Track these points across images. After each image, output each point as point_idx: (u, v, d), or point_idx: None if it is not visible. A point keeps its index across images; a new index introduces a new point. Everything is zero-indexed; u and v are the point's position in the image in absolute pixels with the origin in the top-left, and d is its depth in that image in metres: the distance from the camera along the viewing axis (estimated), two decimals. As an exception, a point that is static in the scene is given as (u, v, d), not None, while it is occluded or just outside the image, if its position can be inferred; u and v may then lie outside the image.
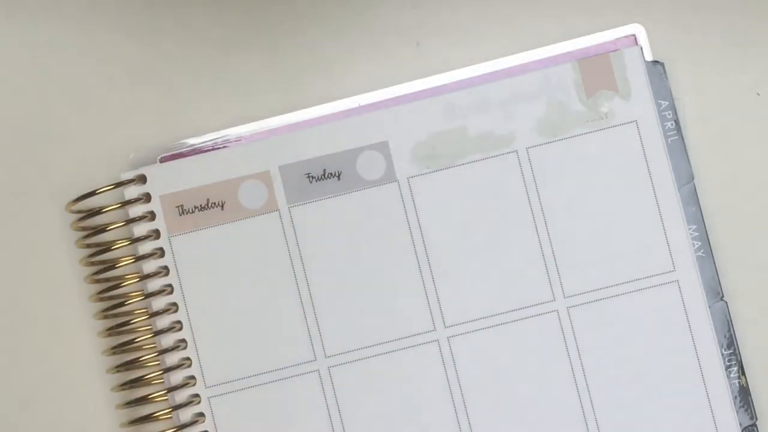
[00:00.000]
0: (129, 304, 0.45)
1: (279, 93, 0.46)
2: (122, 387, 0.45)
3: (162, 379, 0.45)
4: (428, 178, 0.45)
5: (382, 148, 0.45)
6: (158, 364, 0.45)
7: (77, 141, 0.46)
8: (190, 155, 0.46)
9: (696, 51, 0.46)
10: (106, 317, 0.45)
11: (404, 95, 0.46)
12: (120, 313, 0.45)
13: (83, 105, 0.46)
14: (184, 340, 0.45)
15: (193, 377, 0.45)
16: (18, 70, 0.47)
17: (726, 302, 0.45)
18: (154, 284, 0.45)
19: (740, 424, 0.45)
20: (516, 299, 0.45)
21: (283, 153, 0.45)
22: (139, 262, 0.45)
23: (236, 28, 0.47)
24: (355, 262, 0.45)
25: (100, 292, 0.45)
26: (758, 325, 0.45)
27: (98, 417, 0.46)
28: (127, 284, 0.45)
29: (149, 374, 0.45)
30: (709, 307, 0.45)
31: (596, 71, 0.45)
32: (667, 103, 0.45)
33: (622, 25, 0.46)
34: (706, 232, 0.45)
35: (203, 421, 0.45)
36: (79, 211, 0.45)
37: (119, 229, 0.45)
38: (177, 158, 0.46)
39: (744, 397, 0.45)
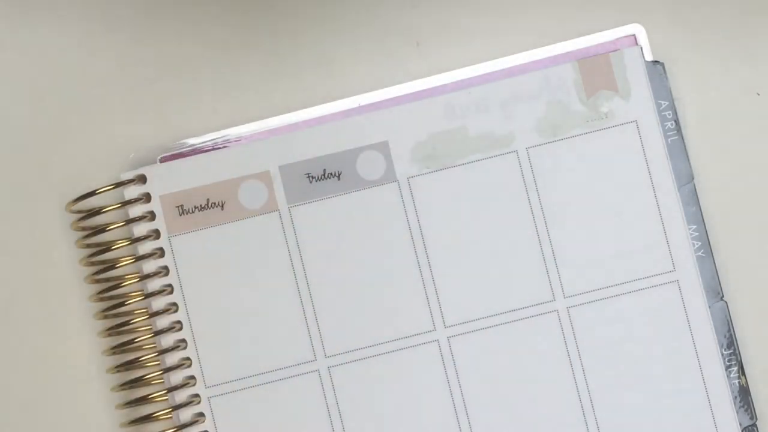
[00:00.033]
0: (129, 304, 0.45)
1: (279, 93, 0.46)
2: (122, 387, 0.45)
3: (162, 379, 0.45)
4: (428, 178, 0.45)
5: (382, 148, 0.45)
6: (158, 364, 0.45)
7: (77, 141, 0.46)
8: (190, 155, 0.46)
9: (696, 51, 0.46)
10: (106, 317, 0.45)
11: (404, 95, 0.46)
12: (120, 313, 0.45)
13: (83, 105, 0.46)
14: (184, 340, 0.45)
15: (193, 377, 0.45)
16: (18, 70, 0.47)
17: (726, 302, 0.45)
18: (154, 284, 0.45)
19: (740, 424, 0.45)
20: (516, 299, 0.45)
21: (283, 153, 0.45)
22: (139, 262, 0.45)
23: (236, 28, 0.47)
24: (355, 262, 0.45)
25: (100, 292, 0.45)
26: (758, 325, 0.45)
27: (98, 417, 0.46)
28: (127, 284, 0.45)
29: (149, 374, 0.45)
30: (709, 307, 0.45)
31: (596, 71, 0.45)
32: (667, 103, 0.45)
33: (622, 25, 0.46)
34: (706, 232, 0.45)
35: (203, 421, 0.45)
36: (79, 211, 0.45)
37: (119, 229, 0.45)
38: (177, 158, 0.46)
39: (744, 397, 0.45)
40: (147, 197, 0.45)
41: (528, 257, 0.45)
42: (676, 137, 0.45)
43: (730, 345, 0.45)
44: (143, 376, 0.45)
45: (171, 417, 0.45)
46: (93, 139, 0.46)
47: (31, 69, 0.47)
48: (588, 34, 0.46)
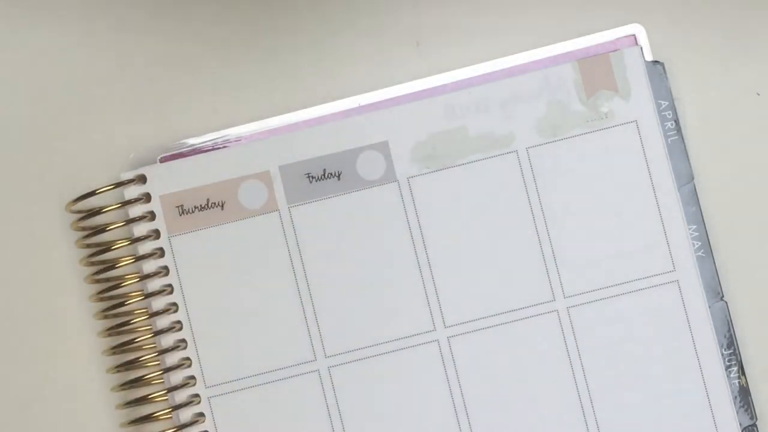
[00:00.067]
0: (129, 304, 0.45)
1: (279, 93, 0.46)
2: (122, 387, 0.45)
3: (162, 379, 0.45)
4: (428, 178, 0.45)
5: (382, 148, 0.45)
6: (158, 364, 0.45)
7: (77, 141, 0.46)
8: (190, 155, 0.46)
9: (696, 51, 0.46)
10: (106, 317, 0.45)
11: (404, 95, 0.46)
12: (120, 313, 0.45)
13: (83, 105, 0.46)
14: (184, 340, 0.45)
15: (193, 377, 0.45)
16: (18, 69, 0.47)
17: (726, 302, 0.45)
18: (154, 284, 0.45)
19: (740, 424, 0.45)
20: (516, 299, 0.45)
21: (283, 153, 0.45)
22: (139, 262, 0.45)
23: (236, 28, 0.47)
24: (355, 262, 0.45)
25: (100, 292, 0.45)
26: (758, 325, 0.45)
27: (98, 417, 0.46)
28: (127, 284, 0.45)
29: (149, 374, 0.45)
30: (709, 307, 0.45)
31: (596, 71, 0.45)
32: (667, 103, 0.45)
33: (622, 25, 0.46)
34: (706, 232, 0.45)
35: (203, 421, 0.45)
36: (79, 211, 0.45)
37: (119, 229, 0.45)
38: (177, 158, 0.46)
39: (744, 397, 0.45)
40: (147, 197, 0.45)
41: (528, 257, 0.45)
42: (676, 137, 0.45)
43: (730, 345, 0.45)
44: (143, 376, 0.45)
45: (171, 417, 0.45)
46: (93, 139, 0.46)
47: (31, 69, 0.47)
48: (588, 34, 0.46)
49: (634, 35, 0.46)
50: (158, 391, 0.45)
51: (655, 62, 0.45)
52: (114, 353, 0.45)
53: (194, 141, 0.46)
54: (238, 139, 0.46)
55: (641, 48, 0.45)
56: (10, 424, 0.46)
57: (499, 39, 0.46)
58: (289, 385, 0.45)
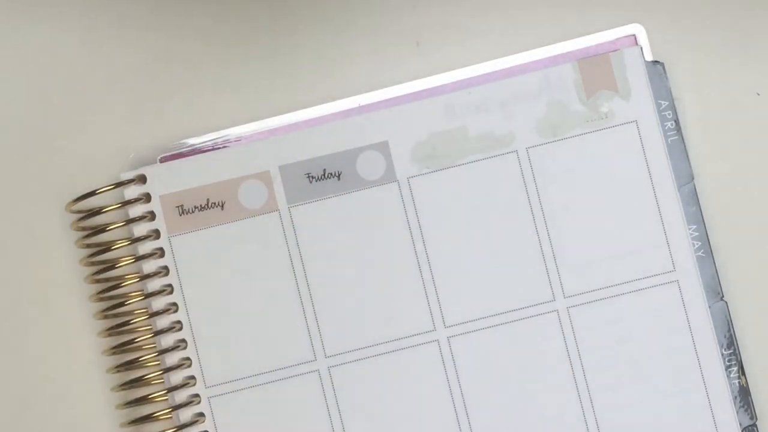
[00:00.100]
0: (129, 304, 0.45)
1: (279, 93, 0.46)
2: (122, 387, 0.45)
3: (162, 379, 0.45)
4: (428, 178, 0.45)
5: (382, 148, 0.45)
6: (158, 364, 0.45)
7: (77, 141, 0.46)
8: (190, 155, 0.46)
9: (696, 51, 0.46)
10: (106, 317, 0.45)
11: (404, 95, 0.46)
12: (120, 313, 0.45)
13: (83, 105, 0.46)
14: (184, 340, 0.45)
15: (193, 377, 0.45)
16: (18, 70, 0.47)
17: (726, 302, 0.45)
18: (154, 284, 0.45)
19: (740, 424, 0.45)
20: (516, 299, 0.45)
21: (283, 153, 0.45)
22: (139, 262, 0.45)
23: (236, 28, 0.47)
24: (355, 262, 0.45)
25: (100, 292, 0.45)
26: (758, 325, 0.45)
27: (98, 417, 0.46)
28: (127, 284, 0.45)
29: (149, 374, 0.45)
30: (709, 307, 0.45)
31: (596, 71, 0.45)
32: (667, 103, 0.45)
33: (622, 25, 0.46)
34: (706, 232, 0.45)
35: (203, 421, 0.45)
36: (79, 211, 0.45)
37: (119, 229, 0.45)
38: (177, 158, 0.46)
39: (744, 397, 0.45)
40: (147, 197, 0.45)
41: (528, 257, 0.45)
42: (676, 137, 0.45)
43: (730, 345, 0.45)
44: (143, 376, 0.45)
45: (171, 417, 0.45)
46: (93, 139, 0.46)
47: (31, 68, 0.47)
48: (588, 34, 0.46)
49: (634, 35, 0.46)
50: (158, 391, 0.45)
51: (655, 62, 0.45)
52: (114, 353, 0.45)
53: (194, 141, 0.46)
54: (238, 139, 0.46)
55: (641, 48, 0.45)
56: (10, 424, 0.46)
57: (499, 39, 0.46)
58: (289, 385, 0.45)
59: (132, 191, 0.45)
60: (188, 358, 0.45)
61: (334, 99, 0.46)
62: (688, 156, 0.45)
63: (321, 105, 0.46)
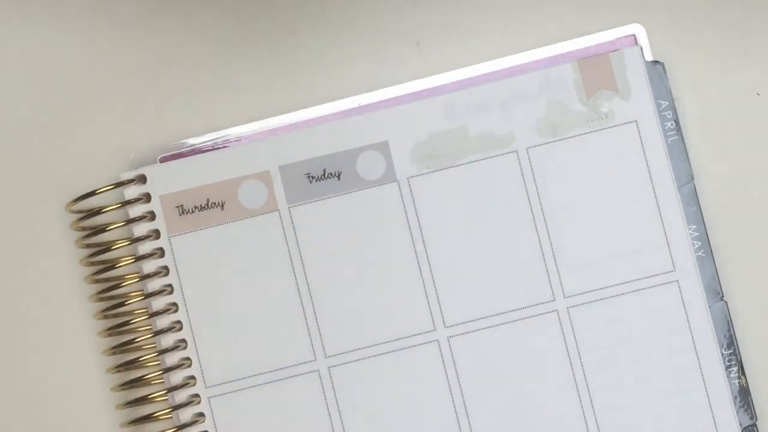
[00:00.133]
0: (129, 304, 0.45)
1: (279, 93, 0.46)
2: (122, 387, 0.45)
3: (162, 379, 0.45)
4: (428, 178, 0.45)
5: (382, 148, 0.45)
6: (158, 364, 0.45)
7: (77, 141, 0.46)
8: (190, 155, 0.46)
9: (696, 51, 0.46)
10: (106, 317, 0.45)
11: (404, 95, 0.46)
12: (120, 313, 0.45)
13: (83, 105, 0.46)
14: (184, 340, 0.45)
15: (193, 377, 0.45)
16: (18, 70, 0.47)
17: (726, 302, 0.45)
18: (154, 284, 0.45)
19: (740, 424, 0.45)
20: (516, 299, 0.45)
21: (283, 153, 0.45)
22: (139, 262, 0.45)
23: (236, 28, 0.47)
24: (355, 262, 0.45)
25: (100, 292, 0.45)
26: (758, 325, 0.45)
27: (98, 417, 0.46)
28: (127, 284, 0.45)
29: (149, 374, 0.45)
30: (709, 307, 0.45)
31: (596, 71, 0.45)
32: (667, 103, 0.45)
33: (622, 25, 0.46)
34: (706, 232, 0.45)
35: (203, 421, 0.45)
36: (79, 211, 0.45)
37: (119, 229, 0.45)
38: (177, 158, 0.46)
39: (744, 397, 0.45)
40: (147, 197, 0.45)
41: (528, 257, 0.45)
42: (676, 137, 0.45)
43: (730, 345, 0.45)
44: (143, 376, 0.45)
45: (171, 417, 0.45)
46: (93, 139, 0.46)
47: (31, 68, 0.47)
48: (588, 34, 0.46)
49: (634, 35, 0.46)
50: (158, 391, 0.45)
51: (655, 62, 0.45)
52: (114, 353, 0.45)
53: (194, 141, 0.46)
54: (238, 139, 0.46)
55: (641, 48, 0.45)
56: (10, 424, 0.46)
57: (499, 39, 0.46)
58: (289, 385, 0.45)
59: (132, 191, 0.45)
60: (188, 358, 0.45)
61: (334, 99, 0.46)
62: (688, 156, 0.45)
63: (321, 105, 0.46)
